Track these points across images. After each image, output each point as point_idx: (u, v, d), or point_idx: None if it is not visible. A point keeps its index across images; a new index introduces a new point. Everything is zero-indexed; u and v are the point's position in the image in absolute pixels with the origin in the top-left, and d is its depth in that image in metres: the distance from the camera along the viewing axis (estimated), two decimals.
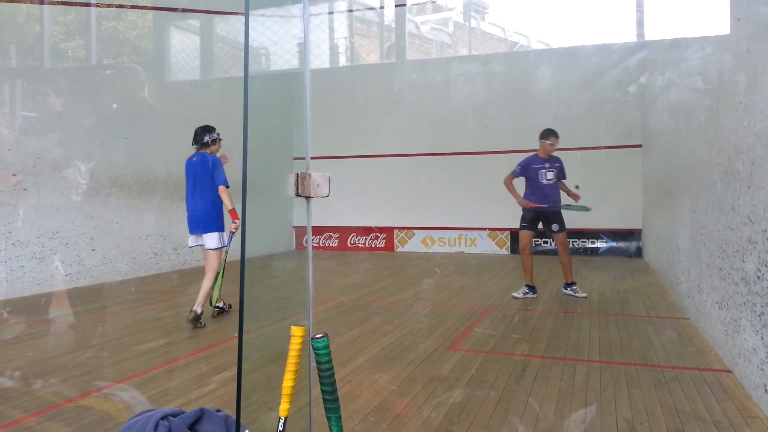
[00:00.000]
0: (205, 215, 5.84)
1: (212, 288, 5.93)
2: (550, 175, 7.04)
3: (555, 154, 7.13)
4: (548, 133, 7.03)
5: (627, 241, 11.84)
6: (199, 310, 5.64)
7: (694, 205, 5.49)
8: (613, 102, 11.66)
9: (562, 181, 7.21)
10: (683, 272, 6.20)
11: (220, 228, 5.88)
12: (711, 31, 4.94)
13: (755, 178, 3.44)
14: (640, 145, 11.42)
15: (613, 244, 11.91)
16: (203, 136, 5.99)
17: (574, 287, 7.16)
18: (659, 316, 5.98)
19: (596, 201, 11.74)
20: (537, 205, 7.04)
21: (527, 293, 7.10)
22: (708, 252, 4.81)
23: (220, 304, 6.22)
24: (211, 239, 5.84)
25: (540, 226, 7.20)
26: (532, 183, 7.09)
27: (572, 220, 11.89)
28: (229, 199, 5.81)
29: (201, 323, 5.65)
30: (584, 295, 7.06)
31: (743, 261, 3.70)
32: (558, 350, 4.72)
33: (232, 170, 5.85)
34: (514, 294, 7.14)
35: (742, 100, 3.75)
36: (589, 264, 10.66)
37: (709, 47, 5.15)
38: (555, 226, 7.10)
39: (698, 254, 5.25)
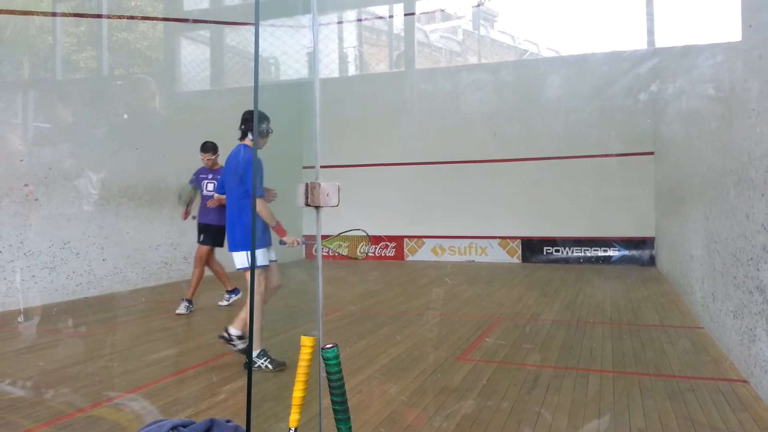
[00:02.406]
0: (228, 228, 4.73)
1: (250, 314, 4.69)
2: (210, 186, 7.02)
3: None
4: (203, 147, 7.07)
5: (640, 249, 11.75)
6: (233, 332, 4.68)
7: (707, 213, 5.44)
8: (624, 110, 11.60)
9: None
10: (697, 281, 6.13)
11: (244, 245, 4.63)
12: (722, 38, 4.91)
13: None
14: (652, 153, 11.35)
15: (626, 252, 11.82)
16: (241, 123, 4.67)
17: (229, 296, 7.34)
18: (673, 326, 5.92)
19: (608, 209, 11.74)
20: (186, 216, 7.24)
21: (189, 306, 6.97)
22: (722, 260, 4.76)
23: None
24: (238, 258, 4.67)
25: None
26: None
27: (584, 229, 11.96)
28: (267, 213, 4.56)
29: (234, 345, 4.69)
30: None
31: (758, 269, 3.65)
32: (570, 360, 4.68)
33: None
34: (178, 311, 6.92)
35: (755, 107, 3.71)
36: (602, 272, 10.59)
37: (720, 54, 5.12)
38: (200, 237, 7.03)
39: (712, 262, 5.20)
